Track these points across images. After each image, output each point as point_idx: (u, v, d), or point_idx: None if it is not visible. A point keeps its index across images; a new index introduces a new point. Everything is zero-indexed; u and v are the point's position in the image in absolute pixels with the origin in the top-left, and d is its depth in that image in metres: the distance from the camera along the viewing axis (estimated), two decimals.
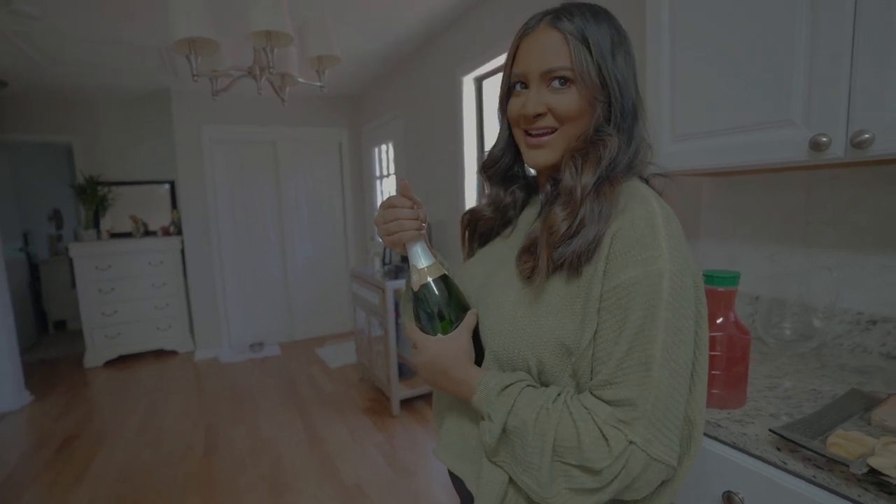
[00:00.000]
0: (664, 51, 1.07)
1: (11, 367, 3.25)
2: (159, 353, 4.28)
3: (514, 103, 0.64)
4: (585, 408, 0.53)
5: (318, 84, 1.88)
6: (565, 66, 0.57)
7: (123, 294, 4.03)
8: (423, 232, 0.69)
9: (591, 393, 0.54)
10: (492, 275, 0.68)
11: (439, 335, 0.66)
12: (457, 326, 0.66)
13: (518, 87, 0.63)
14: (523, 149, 0.66)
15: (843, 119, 0.78)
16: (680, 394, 0.53)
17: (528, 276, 0.59)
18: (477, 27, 2.53)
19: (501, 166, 0.72)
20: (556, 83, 0.59)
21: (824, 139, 0.80)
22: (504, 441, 0.58)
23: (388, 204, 0.68)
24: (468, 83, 2.75)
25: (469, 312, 0.67)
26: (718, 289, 0.77)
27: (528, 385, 0.58)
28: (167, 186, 4.38)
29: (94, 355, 4.00)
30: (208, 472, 2.34)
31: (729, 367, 0.77)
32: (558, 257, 0.56)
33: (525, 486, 0.56)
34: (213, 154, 4.14)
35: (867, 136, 0.75)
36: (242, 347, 4.34)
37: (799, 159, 0.85)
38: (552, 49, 0.58)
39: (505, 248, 0.71)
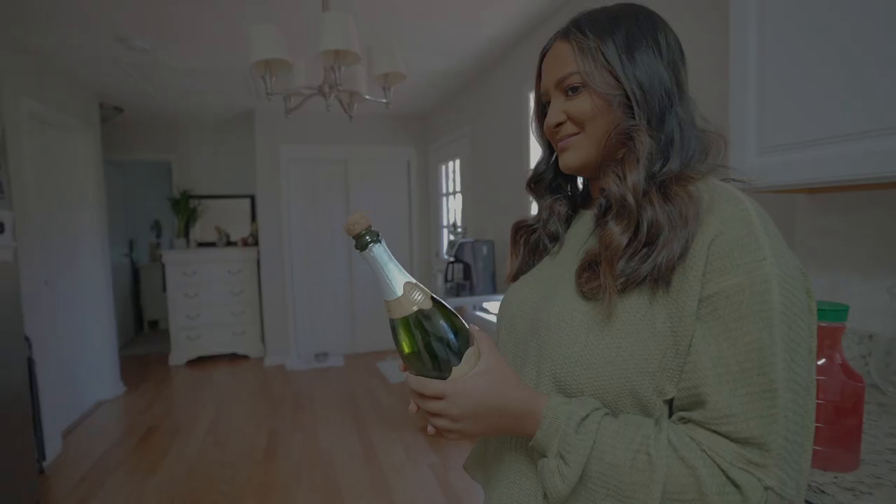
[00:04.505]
0: (749, 48, 0.96)
1: (111, 360, 3.63)
2: (233, 357, 4.55)
3: (546, 121, 0.63)
4: (700, 447, 0.45)
5: (384, 101, 1.92)
6: (572, 70, 0.57)
7: (206, 299, 4.35)
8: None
9: (703, 427, 0.46)
10: (547, 295, 0.61)
11: (463, 368, 0.52)
12: (472, 349, 0.53)
13: (547, 105, 0.64)
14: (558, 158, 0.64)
15: None
16: (805, 419, 0.46)
17: (594, 295, 0.52)
18: (543, 43, 2.47)
19: (545, 181, 0.70)
20: (570, 91, 0.58)
21: None
22: (582, 489, 0.50)
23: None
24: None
25: (471, 328, 0.55)
26: (821, 324, 0.64)
27: (606, 414, 0.50)
28: (248, 200, 4.71)
29: (178, 354, 4.33)
30: (266, 476, 2.40)
31: (836, 420, 0.64)
32: (631, 272, 0.50)
33: None
34: (289, 171, 4.39)
35: None
36: (308, 356, 4.50)
37: None
38: (562, 60, 0.58)
39: (553, 267, 0.65)
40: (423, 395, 0.53)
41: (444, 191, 4.54)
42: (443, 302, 0.54)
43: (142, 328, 5.80)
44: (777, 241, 0.48)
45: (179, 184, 4.59)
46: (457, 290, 3.06)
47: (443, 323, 0.52)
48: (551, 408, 0.51)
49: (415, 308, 0.51)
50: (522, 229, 0.72)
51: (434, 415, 0.53)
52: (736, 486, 0.43)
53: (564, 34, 0.59)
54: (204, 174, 4.67)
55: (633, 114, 0.55)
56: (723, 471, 0.44)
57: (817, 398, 0.63)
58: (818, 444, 0.64)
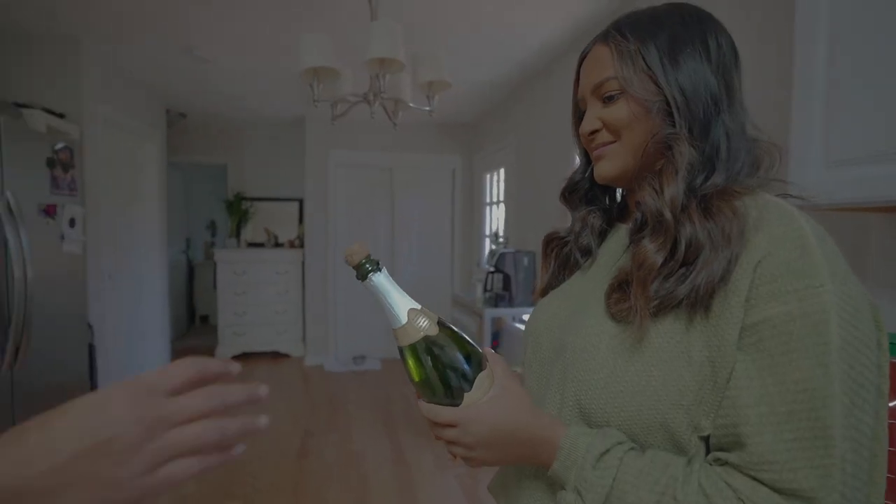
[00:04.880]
0: (818, 49, 0.88)
1: (163, 350, 3.85)
2: (275, 355, 4.70)
3: (581, 128, 0.59)
4: (738, 494, 0.40)
5: (427, 109, 1.93)
6: (610, 76, 0.53)
7: (253, 298, 4.52)
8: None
9: (742, 472, 0.41)
10: (575, 314, 0.57)
11: (475, 394, 0.50)
12: (485, 373, 0.51)
13: (584, 112, 0.60)
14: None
15: None
16: (874, 473, 0.40)
17: (624, 317, 0.48)
18: None
19: (580, 191, 0.66)
20: (606, 98, 0.55)
21: None
22: None
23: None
24: None
25: (485, 351, 0.54)
26: (894, 360, 0.57)
27: (631, 448, 0.46)
28: (296, 204, 4.87)
29: (224, 349, 4.51)
30: (299, 474, 2.44)
31: None
32: (666, 294, 0.45)
33: None
34: (337, 177, 4.51)
35: None
36: (346, 359, 4.57)
37: None
38: (600, 64, 0.55)
39: (583, 283, 0.61)
40: (436, 424, 0.51)
41: (488, 200, 4.51)
42: (451, 326, 0.52)
43: (193, 322, 6.10)
44: (838, 266, 0.43)
45: (234, 186, 4.82)
46: (495, 301, 3.01)
47: (451, 348, 0.50)
48: (570, 437, 0.48)
49: (421, 334, 0.49)
50: (554, 241, 0.68)
51: (450, 442, 0.51)
52: None
53: (604, 37, 0.56)
54: (256, 177, 4.88)
55: (673, 122, 0.50)
56: None
57: (891, 446, 0.55)
58: (891, 498, 0.56)
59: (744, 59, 0.54)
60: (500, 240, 3.74)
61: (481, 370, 0.51)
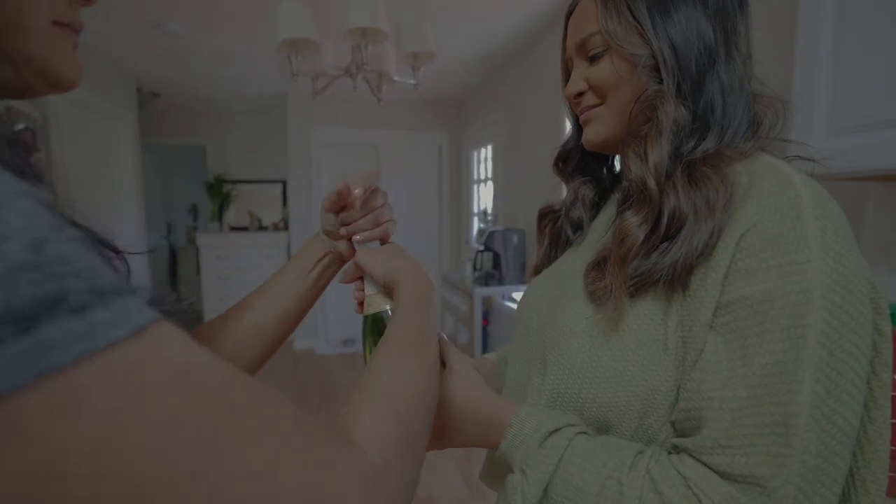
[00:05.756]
0: (825, 14, 0.83)
1: None
2: None
3: (566, 89, 0.55)
4: (686, 481, 0.37)
5: (413, 82, 1.85)
6: (594, 30, 0.48)
7: (238, 282, 4.44)
8: None
9: (694, 457, 0.38)
10: (560, 295, 0.53)
11: None
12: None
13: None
14: None
15: None
16: (837, 467, 0.35)
17: (600, 298, 0.45)
18: None
19: (573, 160, 0.61)
20: (592, 55, 0.50)
21: None
22: None
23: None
24: None
25: (439, 335, 0.54)
26: None
27: (581, 432, 0.44)
28: (280, 185, 4.75)
29: None
30: None
31: None
32: (644, 272, 0.42)
33: None
34: (321, 156, 4.39)
35: None
36: (336, 342, 4.54)
37: None
38: (585, 19, 0.50)
39: (574, 260, 0.57)
40: None
41: (476, 178, 4.45)
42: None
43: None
44: (836, 241, 0.38)
45: (214, 168, 4.68)
46: (485, 280, 2.98)
47: None
48: (520, 417, 0.46)
49: (374, 309, 0.51)
50: (548, 216, 0.64)
51: None
52: None
53: None
54: (238, 159, 4.75)
55: (661, 79, 0.45)
56: None
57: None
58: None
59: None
60: (489, 218, 3.70)
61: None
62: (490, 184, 4.02)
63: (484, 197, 4.32)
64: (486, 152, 4.12)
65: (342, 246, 0.60)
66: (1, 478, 0.17)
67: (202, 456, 0.20)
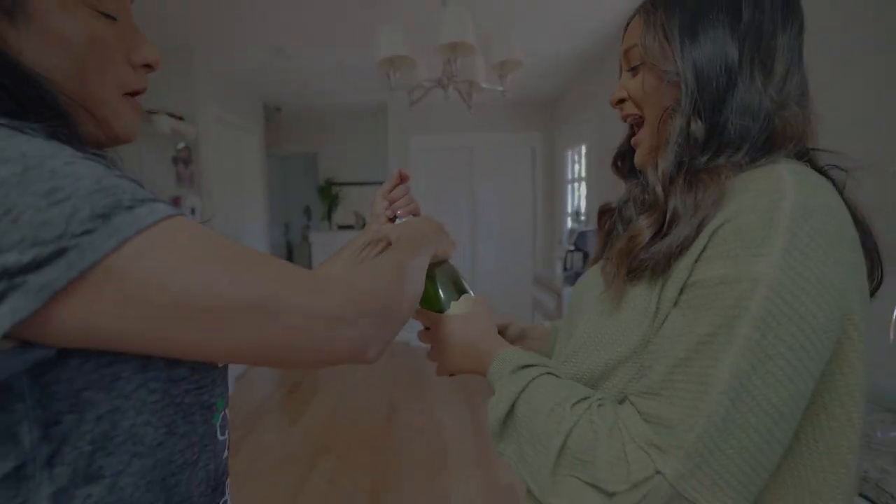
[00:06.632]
0: None
1: None
2: None
3: (612, 95, 0.61)
4: (617, 418, 0.44)
5: (501, 89, 1.94)
6: (635, 43, 0.53)
7: None
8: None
9: (630, 400, 0.45)
10: (594, 282, 0.60)
11: (454, 310, 0.65)
12: (464, 302, 0.66)
13: None
14: None
15: None
16: (751, 438, 0.39)
17: (607, 280, 0.53)
18: None
19: (628, 161, 0.65)
20: (633, 66, 0.55)
21: None
22: (511, 428, 0.52)
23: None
24: None
25: (477, 296, 0.69)
26: None
27: (549, 373, 0.53)
28: None
29: None
30: (384, 437, 2.66)
31: None
32: (636, 264, 0.48)
33: (527, 483, 0.51)
34: (419, 161, 4.65)
35: None
36: None
37: None
38: (632, 31, 0.55)
39: None
40: (422, 328, 0.69)
41: (570, 177, 4.39)
42: (456, 269, 0.71)
43: None
44: (811, 246, 0.39)
45: (324, 173, 5.18)
46: (574, 279, 2.97)
47: (451, 278, 0.69)
48: (507, 352, 0.57)
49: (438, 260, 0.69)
50: (606, 213, 0.68)
51: (429, 351, 0.69)
52: (627, 460, 0.42)
53: (642, 5, 0.55)
54: (344, 163, 5.21)
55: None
56: (623, 444, 0.42)
57: None
58: None
59: None
60: (582, 218, 3.65)
61: (467, 297, 0.67)
62: (583, 183, 3.95)
63: (577, 197, 4.25)
64: (580, 151, 4.05)
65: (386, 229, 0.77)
66: (116, 311, 0.30)
67: (216, 275, 0.33)
